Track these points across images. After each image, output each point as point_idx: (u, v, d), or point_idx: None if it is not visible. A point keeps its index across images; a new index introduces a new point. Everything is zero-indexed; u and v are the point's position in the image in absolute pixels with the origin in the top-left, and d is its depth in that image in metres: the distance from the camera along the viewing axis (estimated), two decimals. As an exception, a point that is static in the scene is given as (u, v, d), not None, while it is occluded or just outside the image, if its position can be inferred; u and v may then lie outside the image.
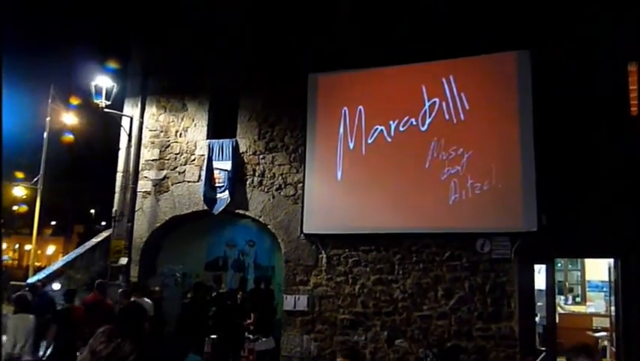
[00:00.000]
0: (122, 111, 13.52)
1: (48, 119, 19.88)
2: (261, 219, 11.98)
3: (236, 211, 12.22)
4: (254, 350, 10.82)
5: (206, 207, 12.23)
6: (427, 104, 10.83)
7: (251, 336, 11.06)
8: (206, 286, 11.57)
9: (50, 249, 47.46)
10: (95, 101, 12.69)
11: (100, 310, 9.63)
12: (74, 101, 20.93)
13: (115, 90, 12.91)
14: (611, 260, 10.53)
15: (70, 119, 20.83)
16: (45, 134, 19.97)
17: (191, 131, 12.92)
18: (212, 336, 10.61)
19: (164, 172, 12.98)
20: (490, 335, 9.95)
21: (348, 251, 11.12)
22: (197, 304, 10.89)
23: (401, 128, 10.95)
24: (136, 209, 13.07)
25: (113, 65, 14.07)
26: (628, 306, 9.53)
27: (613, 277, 10.42)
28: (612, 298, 10.68)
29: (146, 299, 10.32)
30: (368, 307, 10.82)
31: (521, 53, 10.30)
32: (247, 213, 12.11)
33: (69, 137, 21.30)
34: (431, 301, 10.43)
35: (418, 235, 10.65)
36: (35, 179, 20.27)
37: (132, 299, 9.72)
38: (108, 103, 12.79)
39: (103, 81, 12.74)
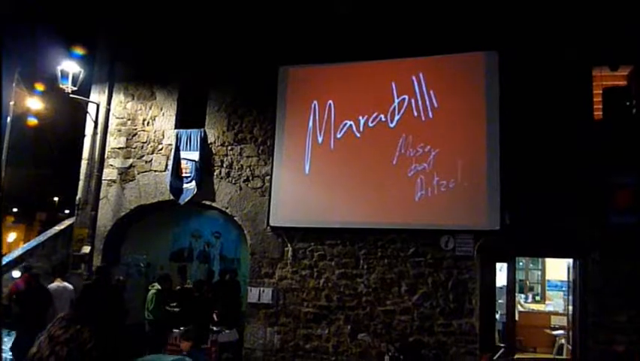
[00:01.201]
0: (88, 97, 13.28)
1: (12, 103, 19.42)
2: (227, 211, 11.93)
3: (203, 202, 12.14)
4: (217, 342, 10.79)
5: (172, 197, 12.11)
6: (397, 100, 10.90)
7: (214, 328, 11.02)
8: (106, 271, 11.36)
9: (11, 236, 46.42)
10: (61, 85, 12.41)
11: (33, 292, 9.97)
12: (39, 86, 20.46)
13: (82, 76, 12.65)
14: (570, 260, 10.78)
15: (34, 103, 20.37)
16: (8, 119, 19.50)
17: (159, 120, 12.77)
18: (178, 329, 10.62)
19: (131, 161, 12.81)
20: (451, 331, 10.09)
21: (314, 245, 11.15)
22: (97, 289, 10.81)
23: (370, 124, 11.01)
24: (100, 197, 12.87)
25: (80, 50, 13.79)
26: (585, 305, 9.76)
27: (572, 276, 10.67)
28: (570, 297, 10.94)
29: (67, 284, 10.82)
30: (332, 301, 10.87)
31: (490, 54, 10.45)
32: (214, 204, 12.04)
33: (33, 121, 20.80)
34: (395, 297, 10.52)
35: (383, 230, 10.73)
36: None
37: (55, 283, 10.56)
38: (74, 89, 12.53)
39: (69, 66, 12.48)
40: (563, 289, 12.65)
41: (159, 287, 11.17)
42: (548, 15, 10.30)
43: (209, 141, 12.18)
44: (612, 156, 9.67)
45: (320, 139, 11.30)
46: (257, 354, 11.12)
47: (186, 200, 12.02)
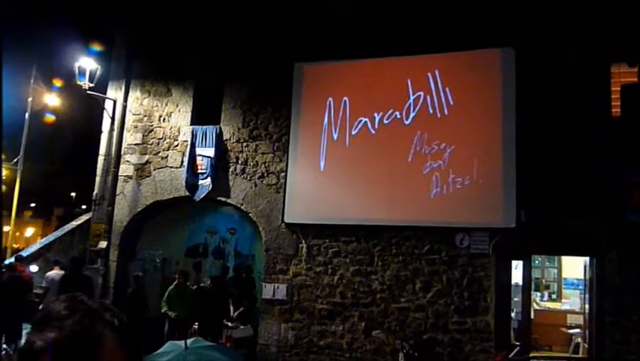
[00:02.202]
0: (105, 94, 13.38)
1: (30, 99, 19.62)
2: (242, 207, 11.97)
3: (218, 198, 12.20)
4: (231, 338, 10.84)
5: (187, 194, 12.19)
6: (412, 97, 10.86)
7: (229, 324, 11.07)
8: (80, 262, 11.60)
9: (29, 231, 46.97)
10: (79, 82, 12.55)
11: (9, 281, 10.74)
12: (57, 82, 20.67)
13: (99, 73, 12.77)
14: (587, 259, 10.68)
15: (52, 100, 20.58)
16: (26, 115, 19.72)
17: (175, 116, 12.83)
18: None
19: (147, 157, 12.90)
20: (465, 329, 10.06)
21: (329, 242, 11.16)
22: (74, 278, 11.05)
23: (385, 121, 10.98)
24: (117, 193, 12.97)
25: (97, 47, 13.91)
26: (602, 304, 9.68)
27: (588, 275, 10.57)
28: (587, 295, 10.85)
29: (64, 273, 11.41)
30: (346, 298, 10.87)
31: (506, 51, 10.36)
32: (229, 200, 12.09)
33: (51, 117, 21.03)
34: (409, 294, 10.51)
35: (398, 227, 10.71)
36: (15, 160, 20.02)
37: (53, 272, 11.63)
38: (92, 85, 12.65)
39: (87, 63, 12.60)
40: (580, 287, 12.54)
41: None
42: (566, 11, 10.19)
43: (224, 138, 12.22)
44: (630, 154, 9.56)
45: (335, 136, 11.29)
46: (271, 350, 11.16)
47: (202, 196, 12.08)
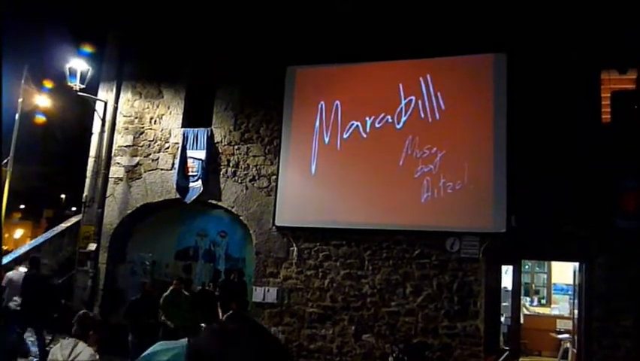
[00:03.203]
0: (96, 95, 13.32)
1: (20, 100, 19.47)
2: (233, 210, 11.94)
3: (209, 201, 12.16)
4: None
5: (178, 196, 12.15)
6: (404, 102, 10.88)
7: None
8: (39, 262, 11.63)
9: (18, 233, 46.63)
10: (69, 83, 12.48)
11: None
12: (48, 83, 20.52)
13: (90, 74, 12.70)
14: (577, 264, 10.72)
15: (43, 101, 20.42)
16: (17, 116, 19.56)
17: (166, 118, 12.79)
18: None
19: (137, 159, 12.84)
20: (455, 333, 10.06)
21: (319, 245, 11.14)
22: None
23: (377, 125, 10.99)
24: (107, 195, 12.91)
25: (88, 48, 13.84)
26: (591, 309, 9.70)
27: (578, 280, 10.61)
28: (576, 301, 10.89)
29: (22, 269, 11.66)
30: (337, 302, 10.86)
31: (498, 56, 10.41)
32: (220, 203, 12.06)
33: (41, 118, 20.87)
34: (399, 298, 10.50)
35: (389, 231, 10.71)
36: (5, 161, 19.84)
37: (12, 271, 11.47)
38: (83, 87, 12.58)
39: (78, 64, 12.53)
40: (569, 292, 12.60)
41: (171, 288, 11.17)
42: (557, 18, 10.25)
43: (215, 140, 12.19)
44: (620, 160, 9.61)
45: (326, 139, 11.29)
46: (261, 354, 11.08)
47: (192, 199, 12.05)
